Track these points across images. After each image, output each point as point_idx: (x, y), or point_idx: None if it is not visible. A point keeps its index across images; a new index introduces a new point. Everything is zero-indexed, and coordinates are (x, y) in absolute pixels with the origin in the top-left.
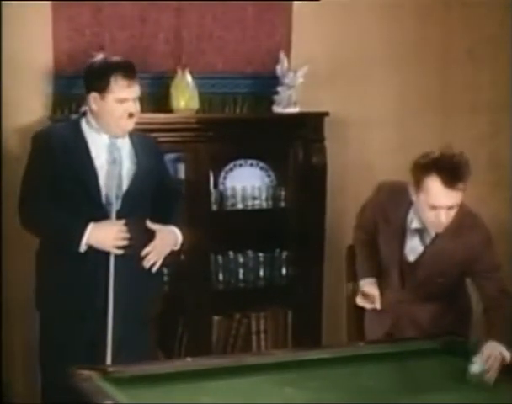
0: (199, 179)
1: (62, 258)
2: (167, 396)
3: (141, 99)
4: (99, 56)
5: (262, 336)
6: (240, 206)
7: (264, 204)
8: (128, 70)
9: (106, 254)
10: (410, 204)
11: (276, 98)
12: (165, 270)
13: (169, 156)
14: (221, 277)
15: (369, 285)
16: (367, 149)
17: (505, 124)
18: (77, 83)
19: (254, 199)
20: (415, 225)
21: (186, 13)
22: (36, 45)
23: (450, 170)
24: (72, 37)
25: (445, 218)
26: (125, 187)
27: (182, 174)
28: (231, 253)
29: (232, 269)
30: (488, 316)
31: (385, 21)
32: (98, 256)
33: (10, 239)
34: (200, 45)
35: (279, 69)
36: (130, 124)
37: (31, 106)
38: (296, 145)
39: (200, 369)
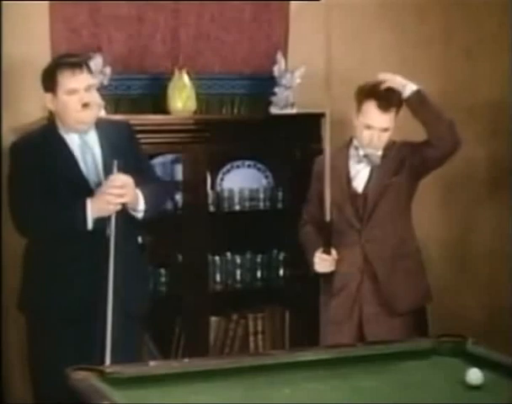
0: (196, 180)
1: (54, 259)
2: (164, 396)
3: (139, 100)
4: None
5: (259, 336)
6: (237, 207)
7: (262, 206)
8: (73, 61)
9: (100, 254)
10: (349, 144)
11: (274, 99)
12: (162, 271)
13: (167, 158)
14: (218, 278)
15: (319, 252)
16: None
17: (505, 123)
18: None
19: (252, 200)
20: (361, 152)
21: (183, 13)
22: (34, 46)
23: (384, 96)
24: (69, 38)
25: (378, 138)
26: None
27: (179, 175)
28: (228, 254)
29: (229, 270)
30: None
31: (383, 21)
32: (91, 255)
33: (10, 238)
34: (198, 46)
35: (276, 70)
36: (88, 116)
37: (29, 107)
38: (293, 146)
39: (198, 370)
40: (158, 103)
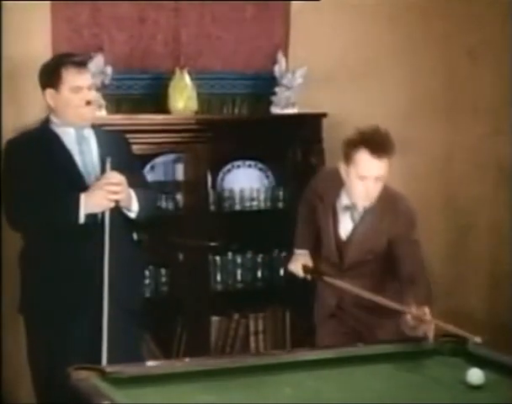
0: (197, 180)
1: (49, 257)
2: (165, 396)
3: (140, 100)
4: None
5: (260, 336)
6: (238, 207)
7: (263, 205)
8: (78, 59)
9: (94, 251)
10: (341, 184)
11: (274, 98)
12: (163, 271)
13: (168, 157)
14: (219, 277)
15: (303, 256)
16: None
17: (506, 124)
18: None
19: (252, 200)
20: (345, 202)
21: (184, 13)
22: (35, 46)
23: (376, 142)
24: (70, 38)
25: (372, 189)
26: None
27: (180, 175)
28: (229, 254)
29: (230, 270)
30: (406, 290)
31: (384, 21)
32: (86, 252)
33: (10, 239)
34: (199, 46)
35: (277, 70)
36: (89, 113)
37: (30, 107)
38: (294, 146)
39: (199, 370)
40: (159, 102)
